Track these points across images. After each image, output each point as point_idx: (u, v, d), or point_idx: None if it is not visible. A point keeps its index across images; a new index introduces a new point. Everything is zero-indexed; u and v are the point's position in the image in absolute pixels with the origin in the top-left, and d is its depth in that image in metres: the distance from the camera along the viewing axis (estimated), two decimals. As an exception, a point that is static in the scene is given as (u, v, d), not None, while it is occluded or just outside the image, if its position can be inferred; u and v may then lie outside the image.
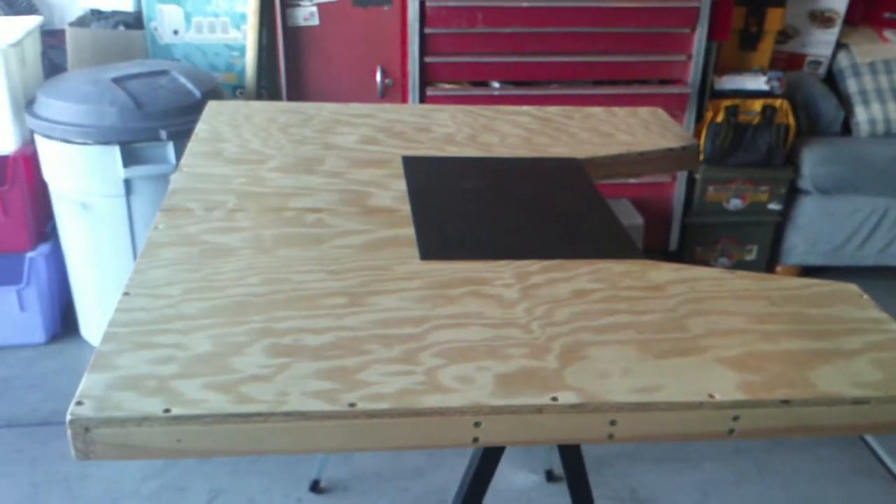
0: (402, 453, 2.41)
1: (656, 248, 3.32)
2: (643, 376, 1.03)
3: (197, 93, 2.67)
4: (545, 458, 2.35)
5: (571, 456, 1.27)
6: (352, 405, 0.95)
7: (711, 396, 1.00)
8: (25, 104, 2.66)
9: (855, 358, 1.09)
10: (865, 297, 1.24)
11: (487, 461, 1.25)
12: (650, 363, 1.06)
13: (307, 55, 3.08)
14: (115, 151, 2.52)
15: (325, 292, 1.18)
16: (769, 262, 3.41)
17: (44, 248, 2.79)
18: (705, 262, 3.34)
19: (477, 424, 0.98)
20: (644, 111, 2.00)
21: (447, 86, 3.00)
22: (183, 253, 1.26)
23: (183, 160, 1.59)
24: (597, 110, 1.99)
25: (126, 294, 1.15)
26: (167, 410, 0.93)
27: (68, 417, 0.92)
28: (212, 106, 1.89)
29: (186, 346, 1.04)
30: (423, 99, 2.99)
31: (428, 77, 2.97)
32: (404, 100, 3.03)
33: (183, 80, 2.69)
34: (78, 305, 2.85)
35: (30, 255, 2.74)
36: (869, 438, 2.55)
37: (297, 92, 3.06)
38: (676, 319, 1.16)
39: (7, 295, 2.74)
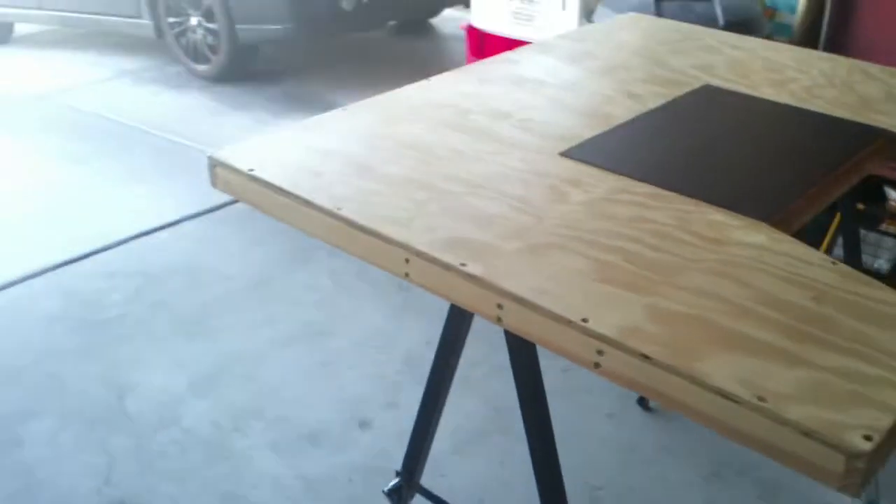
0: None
1: None
2: (560, 286, 1.04)
3: (721, 20, 2.75)
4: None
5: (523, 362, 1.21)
6: (339, 208, 1.20)
7: (585, 321, 0.97)
8: None
9: (810, 372, 0.89)
10: (954, 341, 0.93)
11: (455, 319, 1.34)
12: (586, 282, 1.04)
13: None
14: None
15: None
16: None
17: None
18: None
19: (407, 261, 1.13)
20: None
21: None
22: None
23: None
24: None
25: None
26: (251, 170, 1.31)
27: (208, 152, 1.37)
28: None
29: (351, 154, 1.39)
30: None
31: None
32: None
33: (717, 4, 2.79)
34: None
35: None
36: None
37: (842, 41, 2.86)
38: (680, 267, 1.07)
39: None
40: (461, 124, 1.48)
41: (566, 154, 1.37)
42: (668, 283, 1.04)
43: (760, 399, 0.85)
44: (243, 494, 2.19)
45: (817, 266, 1.08)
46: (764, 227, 1.17)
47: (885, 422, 0.82)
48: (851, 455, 0.80)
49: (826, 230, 3.02)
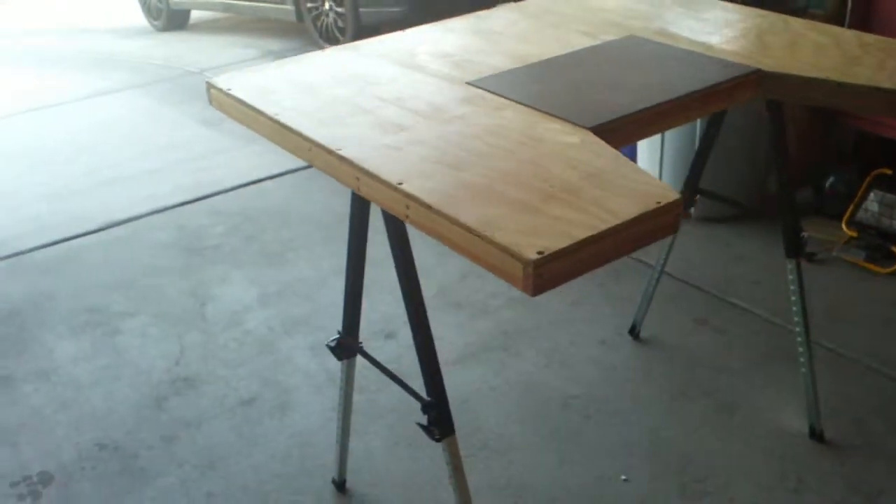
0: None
1: None
2: (400, 164, 1.40)
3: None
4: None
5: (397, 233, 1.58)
6: (276, 114, 1.61)
7: (400, 184, 1.34)
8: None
9: (537, 218, 1.22)
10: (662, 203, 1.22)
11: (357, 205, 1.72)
12: (422, 163, 1.40)
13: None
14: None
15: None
16: None
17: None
18: None
19: (310, 149, 1.53)
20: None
21: None
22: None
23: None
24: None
25: (320, 51, 1.94)
26: (229, 89, 1.75)
27: (206, 79, 1.82)
28: None
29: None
30: None
31: None
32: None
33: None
34: None
35: None
36: None
37: (863, 15, 2.98)
38: (499, 156, 1.40)
39: None
40: (406, 61, 1.86)
41: (471, 83, 1.72)
42: (481, 165, 1.38)
43: (486, 229, 1.19)
44: (279, 380, 2.66)
45: (604, 158, 1.39)
46: (584, 132, 1.48)
47: (559, 244, 1.15)
48: (524, 263, 1.13)
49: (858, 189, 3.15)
